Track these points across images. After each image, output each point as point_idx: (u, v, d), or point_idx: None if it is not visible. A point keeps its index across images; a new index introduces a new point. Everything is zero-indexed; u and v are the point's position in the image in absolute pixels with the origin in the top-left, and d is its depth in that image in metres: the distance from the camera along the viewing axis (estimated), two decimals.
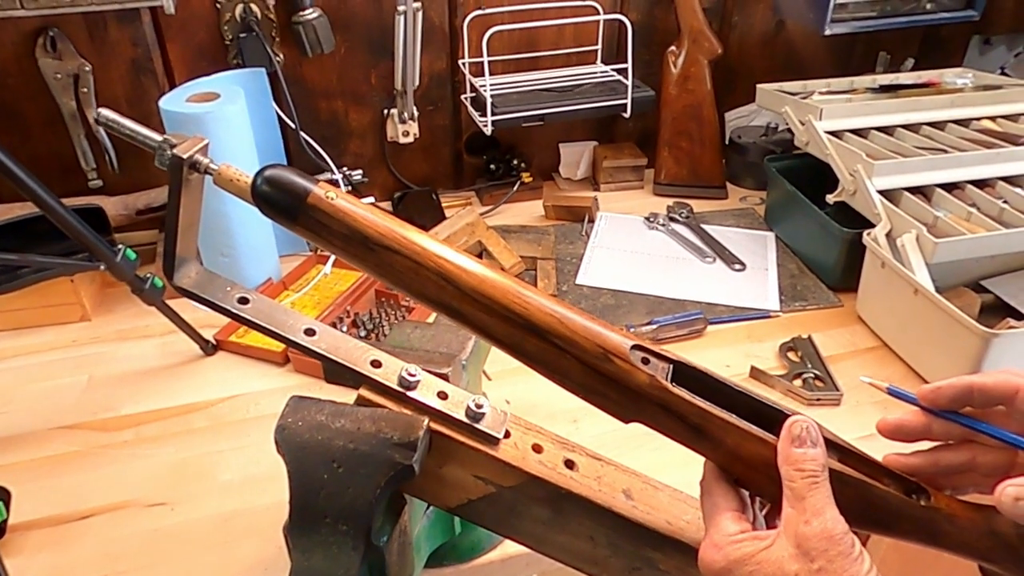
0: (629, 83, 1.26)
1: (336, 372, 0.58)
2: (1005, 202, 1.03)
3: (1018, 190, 1.06)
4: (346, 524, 0.52)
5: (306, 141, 1.21)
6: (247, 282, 1.09)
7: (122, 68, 1.14)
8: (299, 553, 0.53)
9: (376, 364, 0.56)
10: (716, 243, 1.25)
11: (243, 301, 0.56)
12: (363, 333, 1.00)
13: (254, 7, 1.15)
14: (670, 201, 1.37)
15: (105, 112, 0.50)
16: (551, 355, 0.49)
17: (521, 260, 1.13)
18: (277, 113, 1.16)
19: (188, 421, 0.91)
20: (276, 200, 0.48)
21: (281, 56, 1.19)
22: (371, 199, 1.30)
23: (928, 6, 1.40)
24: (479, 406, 0.54)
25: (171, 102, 0.98)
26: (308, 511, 0.52)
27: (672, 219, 1.32)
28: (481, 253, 1.18)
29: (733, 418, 0.48)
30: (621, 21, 1.28)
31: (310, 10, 1.15)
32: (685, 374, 0.50)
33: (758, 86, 1.33)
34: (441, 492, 0.57)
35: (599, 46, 1.36)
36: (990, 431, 0.46)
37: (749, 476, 0.49)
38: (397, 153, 1.36)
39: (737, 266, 1.19)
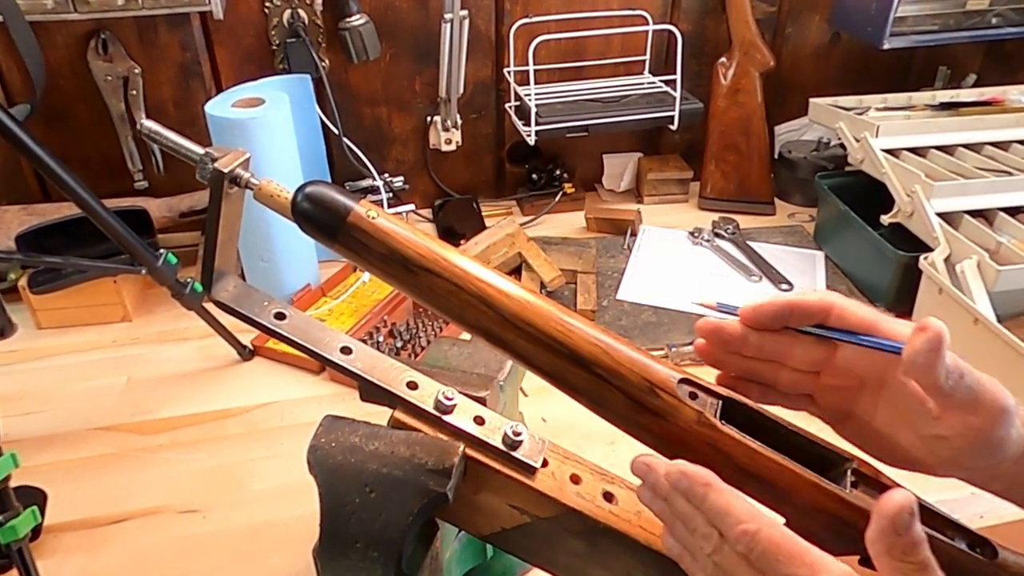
0: (677, 95, 1.24)
1: (371, 392, 0.57)
2: None
3: None
4: (376, 551, 0.50)
5: (348, 147, 1.20)
6: (286, 288, 1.09)
7: (171, 71, 1.15)
8: None
9: (412, 386, 0.54)
10: (762, 261, 1.21)
11: (280, 316, 0.55)
12: (399, 344, 0.99)
13: (302, 13, 1.15)
14: (716, 216, 1.34)
15: (148, 124, 0.49)
16: (594, 386, 0.47)
17: (561, 273, 1.11)
18: (321, 119, 1.16)
19: (223, 427, 0.91)
20: (316, 218, 0.47)
21: (327, 62, 1.19)
22: (412, 206, 1.29)
23: (993, 20, 1.34)
24: (517, 434, 0.53)
25: (217, 107, 0.98)
26: (338, 535, 0.51)
27: (717, 235, 1.28)
28: (521, 265, 1.16)
29: (786, 460, 0.46)
30: (670, 31, 1.25)
31: (357, 16, 1.15)
32: (735, 410, 0.47)
33: (811, 100, 1.29)
34: (474, 519, 0.56)
35: (647, 56, 1.33)
36: (863, 341, 0.44)
37: (803, 523, 0.46)
38: (439, 160, 1.35)
39: (784, 286, 1.15)
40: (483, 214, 1.33)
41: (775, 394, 0.50)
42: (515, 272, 1.17)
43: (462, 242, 1.20)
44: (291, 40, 1.15)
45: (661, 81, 1.31)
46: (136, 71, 1.12)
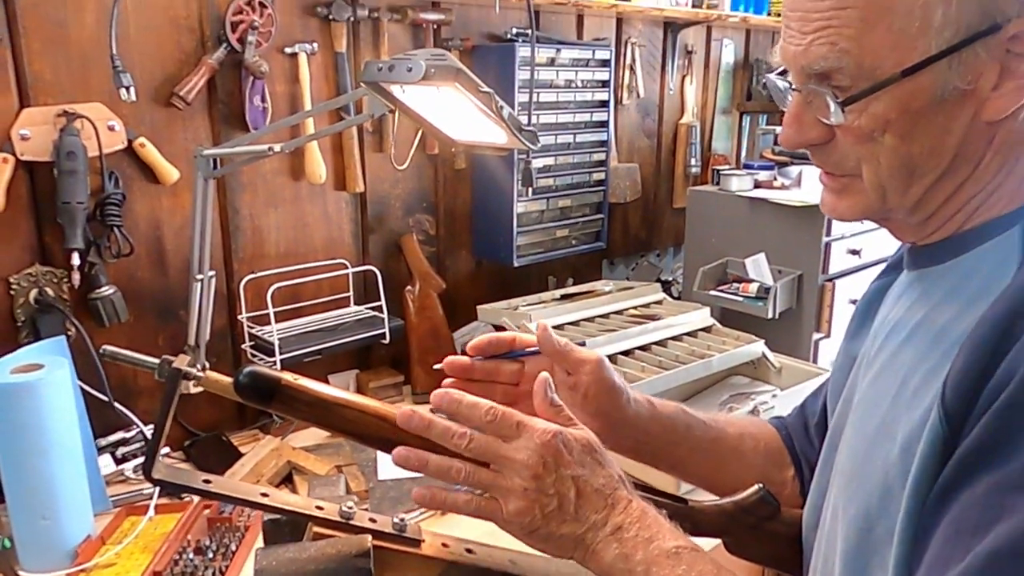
0: (385, 317, 1.59)
1: (277, 531, 0.74)
2: (661, 357, 1.52)
3: (664, 348, 1.57)
4: None
5: (109, 402, 1.29)
6: (69, 541, 1.11)
7: None
8: None
9: (320, 508, 0.74)
10: None
11: (207, 481, 0.72)
12: (210, 555, 1.09)
13: (48, 290, 1.27)
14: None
15: (109, 348, 0.67)
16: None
17: (335, 467, 1.32)
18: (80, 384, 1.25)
19: None
20: (257, 388, 0.68)
21: (74, 330, 1.30)
22: (165, 449, 1.39)
23: (573, 242, 2.00)
24: (401, 519, 0.76)
25: None
26: None
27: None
28: (291, 472, 1.34)
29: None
30: (370, 270, 1.63)
31: (106, 287, 1.31)
32: None
33: (478, 307, 1.75)
34: None
35: (351, 292, 1.67)
36: (515, 354, 0.80)
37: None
38: (183, 403, 1.47)
39: None
40: (234, 443, 1.47)
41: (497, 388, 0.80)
42: (287, 479, 1.34)
43: (227, 471, 1.33)
44: (40, 314, 1.25)
45: (366, 308, 1.66)
46: None
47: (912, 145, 0.55)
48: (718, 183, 2.06)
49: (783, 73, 0.62)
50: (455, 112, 1.12)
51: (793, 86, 0.60)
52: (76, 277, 1.25)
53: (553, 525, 0.63)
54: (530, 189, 1.66)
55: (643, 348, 1.57)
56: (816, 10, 0.55)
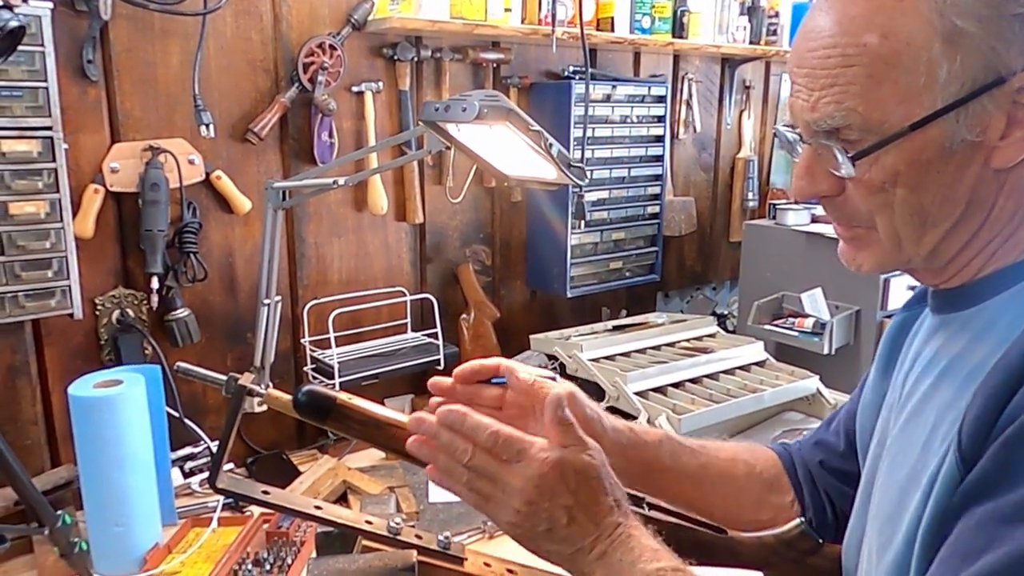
0: (440, 344, 1.64)
1: (328, 544, 0.79)
2: (711, 390, 1.52)
3: (716, 382, 1.57)
4: None
5: (183, 421, 1.37)
6: (138, 549, 1.18)
7: None
8: None
9: (369, 522, 0.79)
10: None
11: (266, 492, 0.77)
12: (268, 567, 1.14)
13: (130, 311, 1.36)
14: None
15: (181, 364, 0.73)
16: None
17: (387, 488, 1.36)
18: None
19: None
20: (314, 405, 0.73)
21: (150, 349, 1.39)
22: (230, 465, 1.46)
23: (627, 274, 2.02)
24: (447, 537, 0.79)
25: (80, 388, 1.13)
26: None
27: None
28: (346, 491, 1.39)
29: None
30: (426, 298, 1.69)
31: (181, 309, 1.39)
32: None
33: (531, 337, 1.78)
34: None
35: (408, 319, 1.73)
36: (496, 380, 0.80)
37: None
38: (247, 422, 1.55)
39: None
40: (294, 463, 1.54)
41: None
42: (342, 498, 1.39)
43: (286, 488, 1.38)
44: (121, 334, 1.34)
45: (423, 335, 1.71)
46: None
47: (923, 195, 0.57)
48: (774, 217, 2.06)
49: (793, 124, 0.62)
50: (507, 149, 1.17)
51: (803, 139, 0.61)
52: (155, 300, 1.34)
53: (541, 542, 0.64)
54: (582, 222, 1.70)
55: (694, 380, 1.57)
56: (822, 67, 0.56)
